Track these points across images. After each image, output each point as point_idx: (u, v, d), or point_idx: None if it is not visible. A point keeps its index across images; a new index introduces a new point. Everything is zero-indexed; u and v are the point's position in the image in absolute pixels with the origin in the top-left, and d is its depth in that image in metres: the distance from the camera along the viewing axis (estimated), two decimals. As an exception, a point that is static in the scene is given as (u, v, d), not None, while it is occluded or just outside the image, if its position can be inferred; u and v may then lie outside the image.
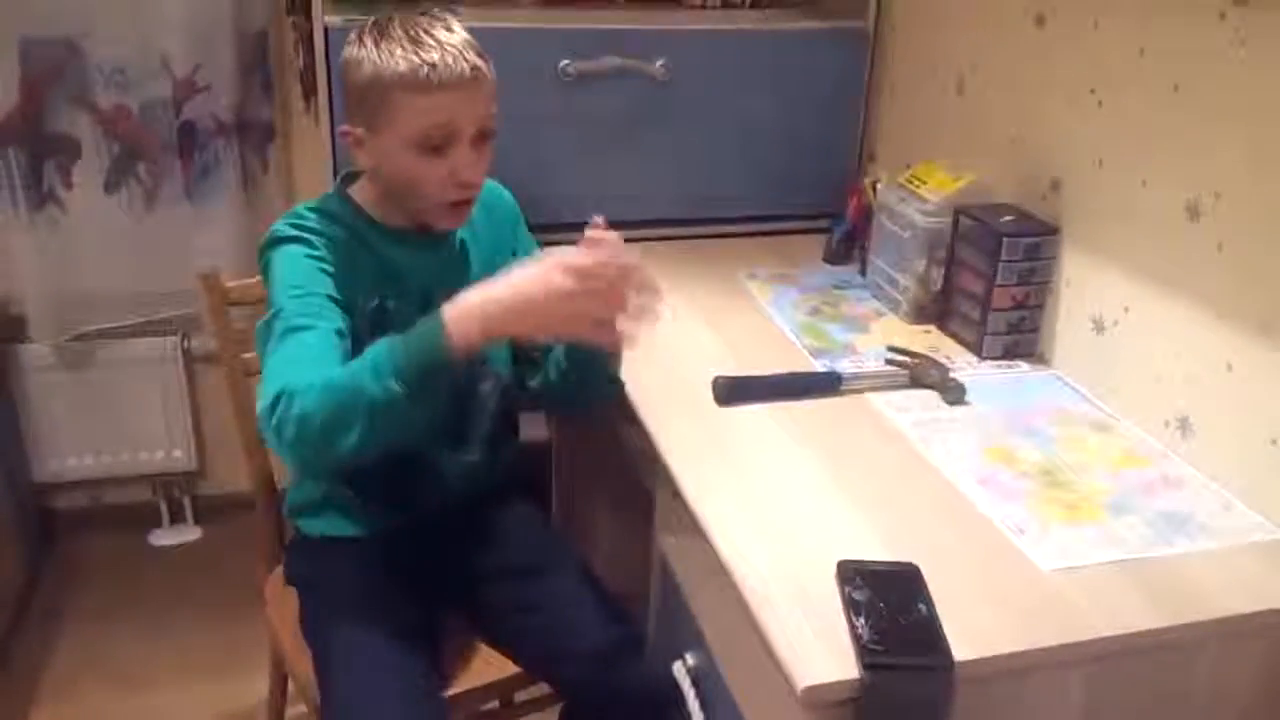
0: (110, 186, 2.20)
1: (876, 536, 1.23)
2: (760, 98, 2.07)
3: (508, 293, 1.20)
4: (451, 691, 1.48)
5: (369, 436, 1.19)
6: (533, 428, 2.30)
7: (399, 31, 1.31)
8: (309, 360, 1.25)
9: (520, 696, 1.67)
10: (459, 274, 1.46)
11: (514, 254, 1.54)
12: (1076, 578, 1.17)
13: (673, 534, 1.46)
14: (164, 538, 2.62)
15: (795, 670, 1.04)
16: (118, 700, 2.13)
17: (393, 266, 1.42)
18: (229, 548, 2.54)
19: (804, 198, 2.17)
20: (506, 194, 1.60)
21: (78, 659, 2.23)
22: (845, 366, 1.63)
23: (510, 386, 1.58)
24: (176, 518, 2.65)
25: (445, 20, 1.34)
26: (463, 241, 1.51)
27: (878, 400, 1.54)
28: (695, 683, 1.39)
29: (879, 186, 1.92)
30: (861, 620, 1.07)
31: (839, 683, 1.02)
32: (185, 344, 2.42)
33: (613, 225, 2.05)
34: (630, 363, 1.58)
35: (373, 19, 1.34)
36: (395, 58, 1.29)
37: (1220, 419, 1.37)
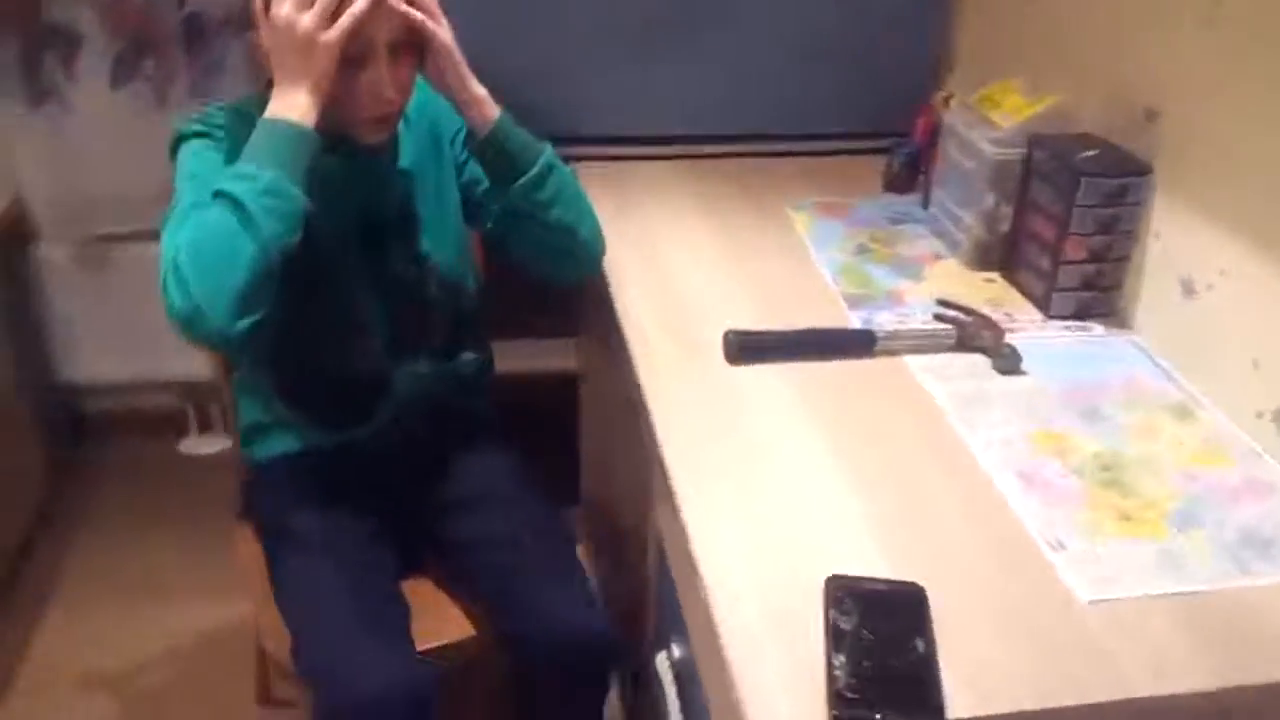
0: (116, 82, 2.06)
1: (883, 542, 1.04)
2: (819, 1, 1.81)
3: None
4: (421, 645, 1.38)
5: (259, 245, 1.14)
6: (557, 356, 2.15)
7: None
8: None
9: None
10: (390, 188, 1.38)
11: (458, 167, 1.45)
12: (1120, 614, 0.96)
13: (663, 509, 1.28)
14: (192, 446, 2.56)
15: (751, 712, 0.86)
16: (127, 614, 2.08)
17: (310, 177, 1.27)
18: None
19: (867, 115, 1.91)
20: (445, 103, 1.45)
21: (93, 568, 2.19)
22: (885, 321, 1.41)
23: (464, 291, 1.49)
24: (208, 427, 2.58)
25: None
26: (397, 153, 1.40)
27: (916, 365, 1.32)
28: (678, 677, 1.23)
29: (949, 105, 1.67)
30: (841, 658, 0.89)
31: (799, 738, 0.85)
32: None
33: (646, 140, 1.88)
34: (635, 302, 1.43)
35: None
36: None
37: (1327, 415, 1.13)
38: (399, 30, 1.25)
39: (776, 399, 1.25)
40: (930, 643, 0.90)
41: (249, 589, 1.50)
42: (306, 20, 1.17)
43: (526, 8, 1.74)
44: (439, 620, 1.45)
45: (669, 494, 1.12)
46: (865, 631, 0.91)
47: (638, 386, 1.28)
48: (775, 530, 1.05)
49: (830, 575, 0.97)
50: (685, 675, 1.21)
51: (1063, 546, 1.03)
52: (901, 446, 1.18)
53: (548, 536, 1.47)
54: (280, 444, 1.48)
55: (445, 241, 1.46)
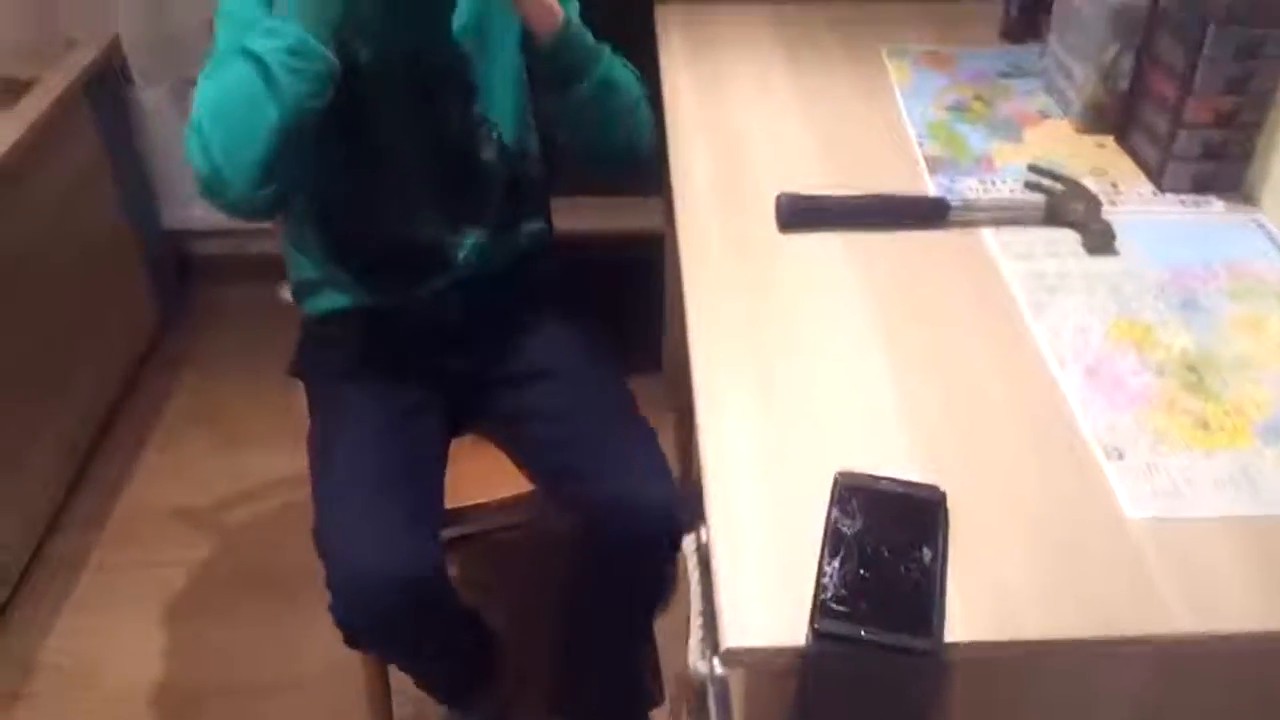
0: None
1: (913, 437, 0.93)
2: None
3: None
4: (457, 504, 1.35)
5: (280, 109, 1.08)
6: (640, 215, 2.05)
7: None
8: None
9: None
10: (442, 38, 1.26)
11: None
12: (1174, 536, 0.83)
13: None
14: (289, 292, 2.58)
15: (724, 620, 0.79)
16: (216, 455, 2.14)
17: (366, 13, 1.19)
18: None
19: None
20: None
21: (189, 409, 2.25)
22: (967, 188, 1.26)
23: (520, 155, 1.38)
24: (310, 274, 2.60)
25: None
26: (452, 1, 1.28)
27: (993, 239, 1.18)
28: (703, 562, 1.17)
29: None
30: (835, 565, 0.80)
31: (772, 649, 0.77)
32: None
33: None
34: (693, 157, 1.33)
35: None
36: None
37: None
38: None
39: (826, 272, 1.13)
40: (939, 554, 0.80)
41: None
42: None
43: None
44: (487, 479, 1.41)
45: (690, 367, 1.04)
46: (869, 537, 0.82)
47: (676, 250, 1.18)
48: (793, 417, 0.95)
49: (840, 471, 0.87)
50: (708, 559, 1.14)
51: (1120, 454, 0.90)
52: (957, 330, 1.05)
53: (611, 406, 1.40)
54: (329, 301, 1.44)
55: (504, 104, 1.35)
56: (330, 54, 1.11)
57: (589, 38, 1.27)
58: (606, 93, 1.27)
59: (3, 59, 2.12)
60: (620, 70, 1.30)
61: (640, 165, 1.37)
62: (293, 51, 1.09)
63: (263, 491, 2.07)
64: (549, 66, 1.25)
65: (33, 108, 1.95)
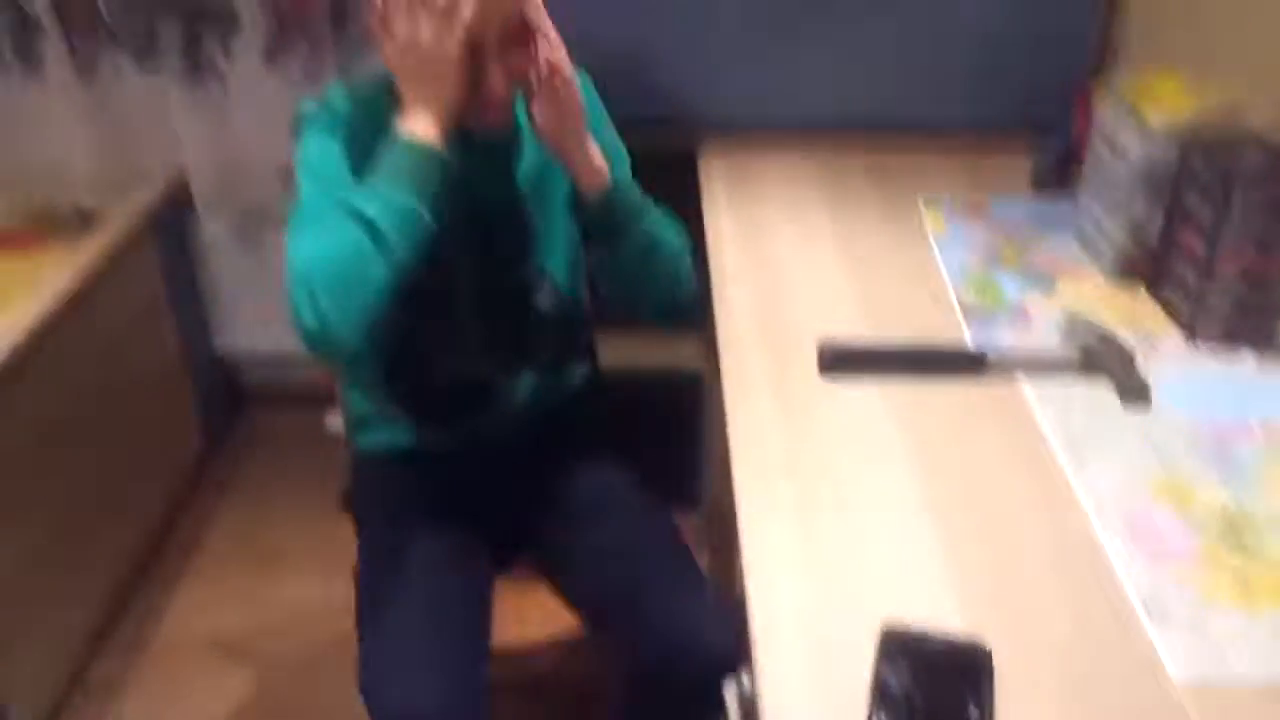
0: (270, 60, 2.12)
1: (957, 589, 0.94)
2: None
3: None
4: (503, 643, 1.37)
5: (391, 269, 1.14)
6: (682, 354, 2.09)
7: None
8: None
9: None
10: (505, 190, 1.32)
11: None
12: (1221, 702, 0.84)
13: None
14: (336, 423, 2.63)
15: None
16: (258, 582, 2.16)
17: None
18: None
19: (1018, 105, 1.77)
20: (583, 81, 1.38)
21: (233, 536, 2.28)
22: (1003, 337, 1.30)
23: (572, 301, 1.43)
24: (355, 402, 2.65)
25: None
26: (518, 135, 1.35)
27: (1031, 390, 1.21)
28: (745, 711, 1.17)
29: (1108, 97, 1.51)
30: (881, 718, 0.81)
31: (821, 809, 0.78)
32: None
33: (775, 125, 1.79)
34: (736, 297, 1.38)
35: None
36: None
37: None
38: (511, 15, 1.20)
39: (867, 418, 1.17)
40: (985, 713, 0.81)
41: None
42: (426, 34, 1.15)
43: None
44: (533, 617, 1.43)
45: (734, 509, 1.06)
46: (917, 694, 0.83)
47: (720, 390, 1.22)
48: (838, 564, 0.97)
49: (886, 624, 0.89)
50: (749, 707, 1.15)
51: (1164, 613, 0.91)
52: (997, 481, 1.08)
53: (663, 545, 1.40)
54: (382, 437, 1.48)
55: (559, 254, 1.41)
56: (431, 217, 1.18)
57: (635, 196, 1.32)
58: (649, 249, 1.32)
59: (76, 188, 2.23)
60: (664, 227, 1.35)
61: (679, 317, 1.41)
62: (404, 218, 1.15)
63: (303, 620, 2.08)
64: (595, 222, 1.31)
65: (101, 238, 2.04)
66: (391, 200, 1.15)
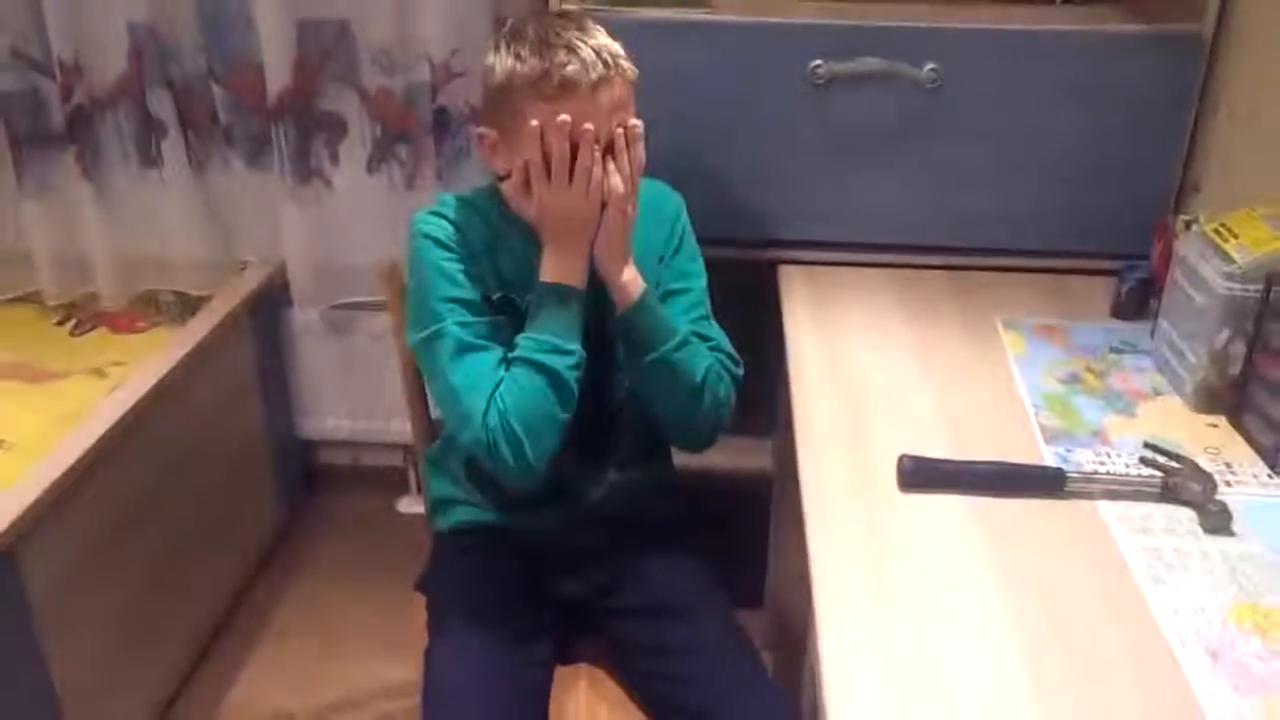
0: (372, 166, 2.24)
1: (1041, 713, 0.95)
2: (1054, 112, 1.72)
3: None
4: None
5: (570, 411, 1.31)
6: (751, 456, 2.12)
7: (531, 34, 1.23)
8: (489, 382, 1.31)
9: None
10: (595, 279, 1.36)
11: (661, 259, 1.44)
12: (1307, 834, 0.83)
13: (813, 636, 1.23)
14: (409, 505, 2.69)
15: None
16: (322, 661, 2.19)
17: (529, 266, 1.34)
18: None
19: (1100, 233, 1.80)
20: (671, 196, 1.49)
21: (297, 617, 2.32)
22: (1083, 460, 1.31)
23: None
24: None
25: (580, 22, 1.21)
26: None
27: (1110, 512, 1.22)
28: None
29: (1188, 230, 1.54)
30: (961, 835, 0.81)
31: None
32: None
33: (857, 246, 1.84)
34: (816, 410, 1.41)
35: (511, 21, 1.23)
36: (522, 61, 1.22)
37: None
38: (611, 132, 1.27)
39: (946, 535, 1.18)
40: (1067, 834, 0.81)
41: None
42: (572, 202, 1.26)
43: (740, 112, 1.75)
44: (595, 711, 1.43)
45: (814, 622, 1.08)
46: (995, 809, 0.83)
47: (796, 496, 1.24)
48: (919, 682, 0.98)
49: (965, 740, 0.89)
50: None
51: (1248, 744, 0.91)
52: (1077, 603, 1.08)
53: (731, 645, 1.42)
54: (467, 515, 1.52)
55: None
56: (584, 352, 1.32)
57: (665, 319, 1.37)
58: (665, 372, 1.36)
59: (183, 276, 2.36)
60: (692, 357, 1.37)
61: (691, 447, 1.47)
62: (575, 362, 1.30)
63: (364, 701, 2.10)
64: (622, 332, 1.37)
65: (203, 325, 2.15)
66: (569, 353, 1.30)
